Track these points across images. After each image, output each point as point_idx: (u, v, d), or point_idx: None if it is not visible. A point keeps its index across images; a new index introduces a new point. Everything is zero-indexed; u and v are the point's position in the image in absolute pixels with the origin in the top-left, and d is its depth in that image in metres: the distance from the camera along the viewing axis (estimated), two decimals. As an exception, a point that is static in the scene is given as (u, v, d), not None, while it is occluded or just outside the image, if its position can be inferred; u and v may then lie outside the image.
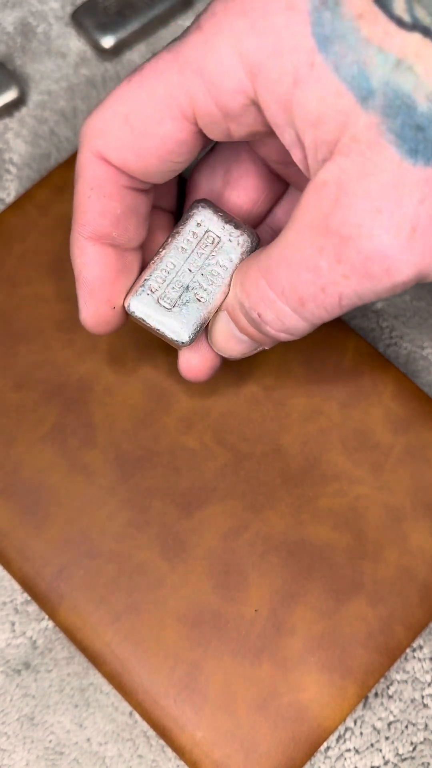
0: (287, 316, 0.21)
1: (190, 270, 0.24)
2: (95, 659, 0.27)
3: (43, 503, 0.28)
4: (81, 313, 0.24)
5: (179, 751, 0.27)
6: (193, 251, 0.24)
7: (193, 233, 0.24)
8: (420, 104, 0.17)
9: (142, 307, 0.24)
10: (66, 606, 0.27)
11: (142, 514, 0.28)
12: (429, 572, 0.28)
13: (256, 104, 0.20)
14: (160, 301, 0.24)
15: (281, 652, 0.27)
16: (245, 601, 0.27)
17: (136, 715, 0.30)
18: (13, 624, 0.30)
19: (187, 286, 0.24)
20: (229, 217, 0.24)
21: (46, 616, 0.30)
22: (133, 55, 0.36)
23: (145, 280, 0.24)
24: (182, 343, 0.24)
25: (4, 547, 0.28)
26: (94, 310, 0.24)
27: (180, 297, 0.24)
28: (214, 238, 0.24)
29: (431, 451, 0.29)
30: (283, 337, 0.23)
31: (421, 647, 0.30)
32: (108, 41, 0.35)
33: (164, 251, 0.24)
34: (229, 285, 0.24)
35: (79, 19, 0.35)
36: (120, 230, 0.23)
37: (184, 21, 0.36)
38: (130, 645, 0.27)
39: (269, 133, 0.21)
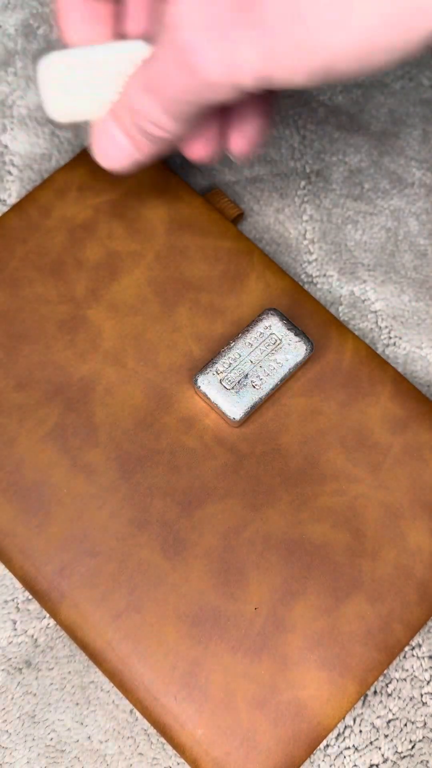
0: (149, 105, 0.24)
1: (251, 362, 0.29)
2: (96, 657, 0.28)
3: (44, 502, 0.28)
4: None
5: (179, 748, 0.27)
6: (257, 347, 0.29)
7: (260, 333, 0.29)
8: None
9: (206, 385, 0.28)
10: (67, 604, 0.28)
11: (143, 513, 0.28)
12: (427, 571, 0.28)
13: None
14: (223, 382, 0.28)
15: (281, 650, 0.27)
16: (245, 599, 0.28)
17: (137, 713, 0.30)
18: (14, 622, 0.30)
19: (247, 374, 0.28)
20: (291, 324, 0.29)
21: (47, 615, 0.30)
22: (134, 57, 0.36)
23: (213, 362, 0.29)
24: (234, 420, 0.28)
25: (5, 545, 0.28)
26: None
27: (239, 381, 0.28)
28: (276, 340, 0.29)
29: (429, 451, 0.29)
30: (156, 132, 0.25)
31: (419, 645, 0.30)
32: (109, 44, 0.35)
33: (234, 343, 0.29)
34: (283, 379, 0.29)
35: (79, 21, 0.35)
36: None
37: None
38: (131, 643, 0.27)
39: None
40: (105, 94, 0.26)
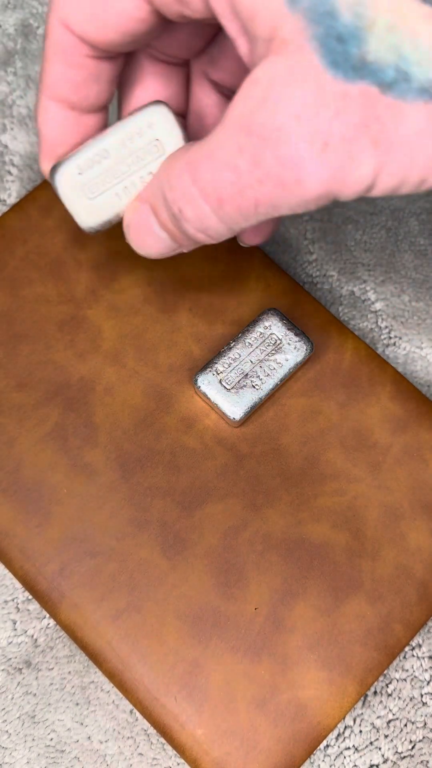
0: (206, 216, 0.21)
1: (251, 362, 0.29)
2: (96, 657, 0.28)
3: (44, 502, 0.28)
4: (41, 166, 0.25)
5: (179, 748, 0.27)
6: (257, 347, 0.29)
7: (260, 333, 0.29)
8: (342, 14, 0.17)
9: (206, 385, 0.28)
10: (67, 604, 0.28)
11: (143, 513, 0.28)
12: (427, 571, 0.28)
13: None
14: (222, 382, 0.28)
15: (281, 650, 0.27)
16: (245, 599, 0.28)
17: (137, 713, 0.30)
18: (14, 622, 0.30)
19: (247, 374, 0.28)
20: (292, 324, 0.29)
21: (47, 615, 0.30)
22: (134, 57, 0.36)
23: (213, 362, 0.29)
24: (234, 420, 0.28)
25: (5, 545, 0.28)
26: (48, 166, 0.25)
27: (239, 382, 0.28)
28: (276, 340, 0.29)
29: (428, 451, 0.29)
30: (202, 238, 0.22)
31: (419, 645, 0.30)
32: (109, 44, 0.35)
33: (233, 343, 0.29)
34: (283, 380, 0.28)
35: (79, 21, 0.35)
36: (80, 96, 0.24)
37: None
38: (131, 643, 0.27)
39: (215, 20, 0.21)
40: (134, 179, 0.24)
